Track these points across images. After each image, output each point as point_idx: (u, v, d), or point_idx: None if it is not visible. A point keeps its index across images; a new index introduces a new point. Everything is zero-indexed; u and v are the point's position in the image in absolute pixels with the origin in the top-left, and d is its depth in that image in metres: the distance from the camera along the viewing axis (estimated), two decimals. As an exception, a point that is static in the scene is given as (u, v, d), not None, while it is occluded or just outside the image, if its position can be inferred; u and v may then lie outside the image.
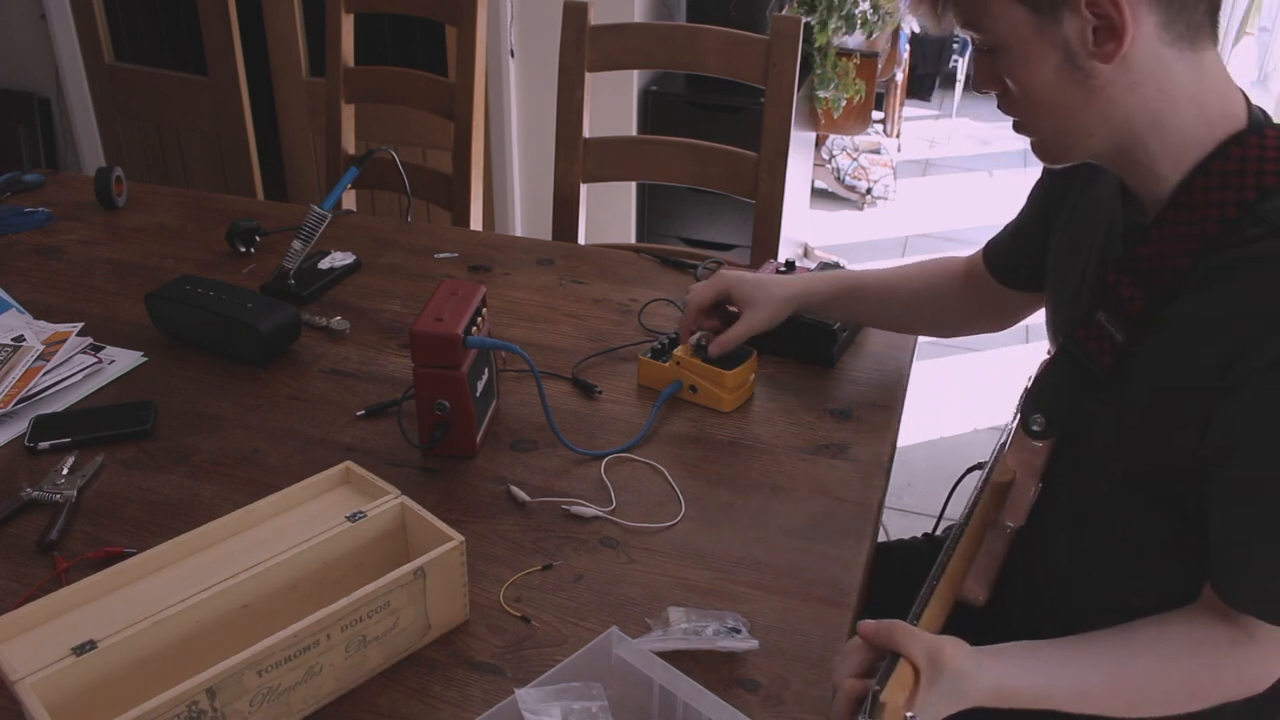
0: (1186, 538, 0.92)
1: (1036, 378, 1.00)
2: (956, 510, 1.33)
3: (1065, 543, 1.03)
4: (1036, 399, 0.98)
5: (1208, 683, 0.88)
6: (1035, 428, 0.98)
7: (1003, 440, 1.13)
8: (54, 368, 1.32)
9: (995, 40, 0.86)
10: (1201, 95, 0.85)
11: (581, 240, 1.96)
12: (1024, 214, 1.17)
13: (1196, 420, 0.85)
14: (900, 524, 2.35)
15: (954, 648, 0.83)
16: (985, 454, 1.25)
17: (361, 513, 0.97)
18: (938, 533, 1.36)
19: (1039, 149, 0.94)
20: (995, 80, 0.90)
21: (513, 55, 2.91)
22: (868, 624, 0.85)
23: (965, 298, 1.26)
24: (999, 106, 0.93)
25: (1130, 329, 0.89)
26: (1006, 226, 1.20)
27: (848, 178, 4.20)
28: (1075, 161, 0.93)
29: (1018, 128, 0.93)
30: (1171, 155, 0.87)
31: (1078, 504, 1.00)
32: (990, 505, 1.04)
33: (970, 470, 1.31)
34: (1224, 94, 0.86)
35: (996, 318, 1.27)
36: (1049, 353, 1.10)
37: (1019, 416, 1.02)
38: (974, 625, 0.95)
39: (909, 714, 0.78)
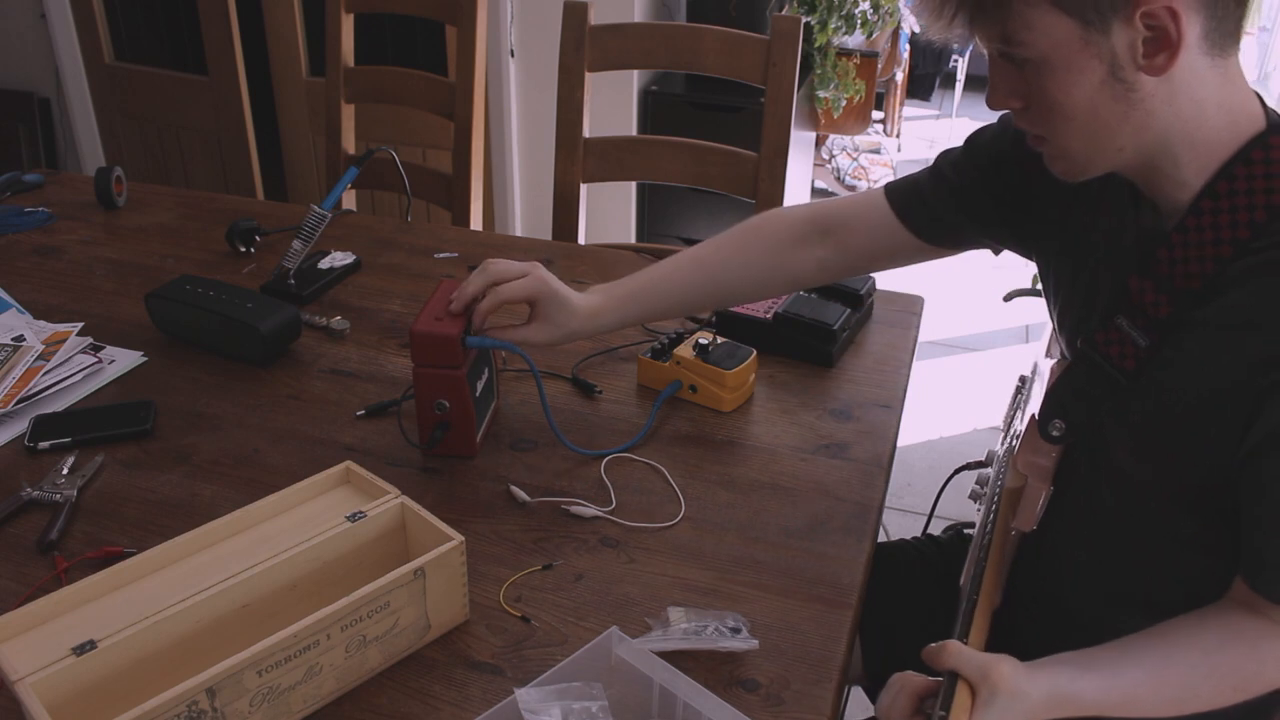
0: (1206, 536, 0.92)
1: (1054, 383, 0.99)
2: (946, 509, 1.34)
3: (1077, 545, 1.02)
4: (1055, 404, 0.97)
5: (1250, 674, 0.88)
6: (1054, 433, 0.97)
7: (1010, 445, 1.12)
8: (54, 368, 1.32)
9: (1033, 54, 0.82)
10: (1228, 101, 0.84)
11: (581, 240, 1.96)
12: (966, 178, 1.10)
13: (1232, 420, 0.84)
14: (900, 524, 2.35)
15: (1008, 666, 0.82)
16: (985, 454, 1.25)
17: (361, 513, 0.97)
18: (934, 532, 1.36)
19: (1060, 163, 0.90)
20: (1018, 95, 0.86)
21: (513, 55, 2.91)
22: (929, 648, 0.85)
23: (823, 248, 1.19)
24: (1017, 122, 0.89)
25: (1153, 333, 0.89)
26: (927, 182, 1.14)
27: (848, 178, 4.20)
28: (1097, 174, 0.90)
29: (1037, 142, 0.90)
30: (1198, 162, 0.85)
31: (1092, 506, 1.00)
32: (1007, 513, 1.04)
33: (960, 470, 1.31)
34: (1245, 96, 0.85)
35: (874, 265, 1.22)
36: (1056, 358, 1.09)
37: (1033, 421, 1.01)
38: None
39: None
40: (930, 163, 1.16)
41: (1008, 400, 1.31)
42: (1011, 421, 1.25)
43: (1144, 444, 0.92)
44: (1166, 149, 0.85)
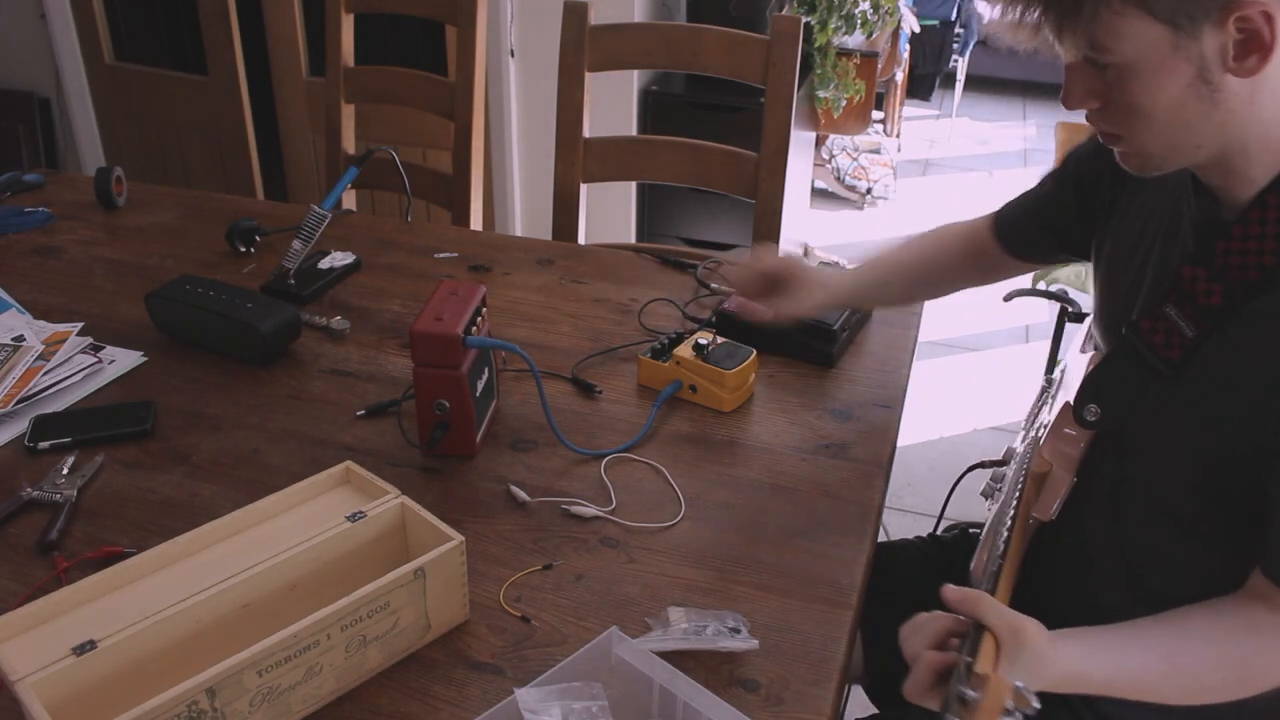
0: (1237, 534, 0.91)
1: (1092, 369, 0.98)
2: (956, 510, 1.34)
3: (1099, 538, 1.02)
4: (1093, 389, 0.97)
5: (1259, 669, 0.88)
6: (1090, 418, 0.97)
7: (1037, 435, 1.12)
8: (54, 368, 1.32)
9: (1120, 59, 0.82)
10: None
11: (581, 240, 1.96)
12: (1047, 192, 1.17)
13: (1273, 416, 0.84)
14: (900, 524, 2.35)
15: (1035, 627, 0.82)
16: (985, 454, 1.25)
17: (361, 513, 0.97)
18: (939, 533, 1.36)
19: (1133, 160, 0.90)
20: (1096, 96, 0.86)
21: (513, 55, 2.91)
22: (952, 589, 0.84)
23: (964, 262, 1.29)
24: (1091, 119, 0.89)
25: (1202, 323, 0.89)
26: (1021, 200, 1.22)
27: (848, 178, 4.20)
28: (1170, 170, 0.91)
29: (1111, 139, 0.90)
30: (1269, 159, 0.85)
31: (1117, 498, 1.00)
32: (1032, 495, 1.04)
33: (971, 469, 1.31)
34: None
35: (986, 278, 1.31)
36: (1093, 348, 1.09)
37: (1066, 408, 1.00)
38: None
39: (1018, 684, 0.76)
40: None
41: (1029, 400, 1.32)
42: (1035, 417, 1.25)
43: (1183, 436, 0.92)
44: (1242, 146, 0.85)
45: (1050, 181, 1.18)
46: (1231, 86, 0.81)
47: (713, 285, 1.56)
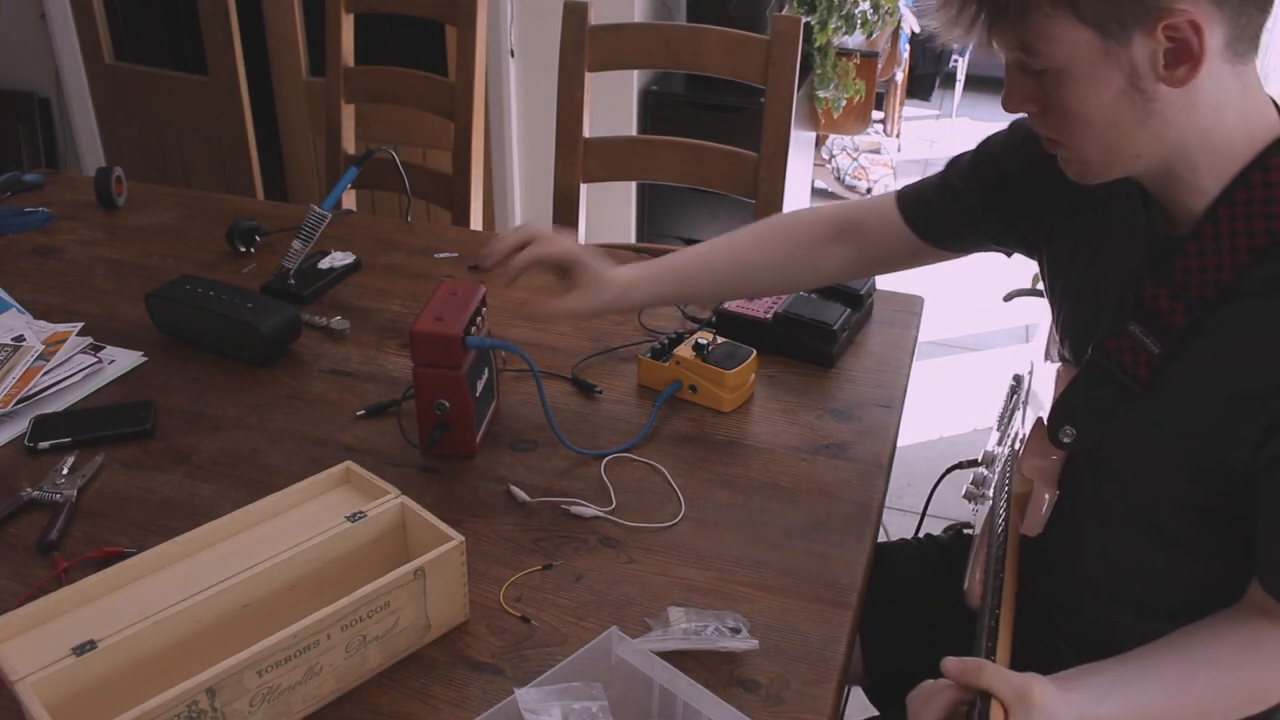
0: (1213, 542, 0.91)
1: (1064, 389, 0.98)
2: (943, 509, 1.34)
3: (1081, 549, 1.02)
4: (1066, 411, 0.96)
5: (1267, 686, 0.88)
6: (1065, 439, 0.96)
7: (1014, 449, 1.12)
8: (54, 368, 1.32)
9: (1051, 63, 0.81)
10: (1245, 107, 0.83)
11: (581, 240, 1.96)
12: (971, 190, 1.11)
13: (1249, 428, 0.83)
14: (900, 524, 2.35)
15: (1040, 685, 0.81)
16: (980, 454, 1.25)
17: (361, 513, 0.97)
18: (933, 532, 1.36)
19: (1075, 167, 0.89)
20: (1034, 101, 0.86)
21: (513, 55, 2.91)
22: (952, 662, 0.83)
23: (845, 247, 1.21)
24: (1033, 125, 0.89)
25: (1167, 341, 0.88)
26: (935, 190, 1.14)
27: (848, 178, 4.20)
28: (1112, 179, 0.90)
29: (1052, 145, 0.89)
30: (1216, 169, 0.84)
31: (1097, 511, 0.99)
32: (1018, 521, 1.03)
33: (951, 469, 1.30)
34: (1262, 102, 0.85)
35: (890, 265, 1.23)
36: (1055, 360, 1.09)
37: (1039, 425, 1.00)
38: (970, 629, 0.95)
39: None
40: (941, 166, 1.16)
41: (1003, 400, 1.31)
42: (1008, 422, 1.24)
43: (1157, 451, 0.91)
44: (1185, 156, 0.84)
45: (967, 173, 1.12)
46: (1166, 96, 0.80)
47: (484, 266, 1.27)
